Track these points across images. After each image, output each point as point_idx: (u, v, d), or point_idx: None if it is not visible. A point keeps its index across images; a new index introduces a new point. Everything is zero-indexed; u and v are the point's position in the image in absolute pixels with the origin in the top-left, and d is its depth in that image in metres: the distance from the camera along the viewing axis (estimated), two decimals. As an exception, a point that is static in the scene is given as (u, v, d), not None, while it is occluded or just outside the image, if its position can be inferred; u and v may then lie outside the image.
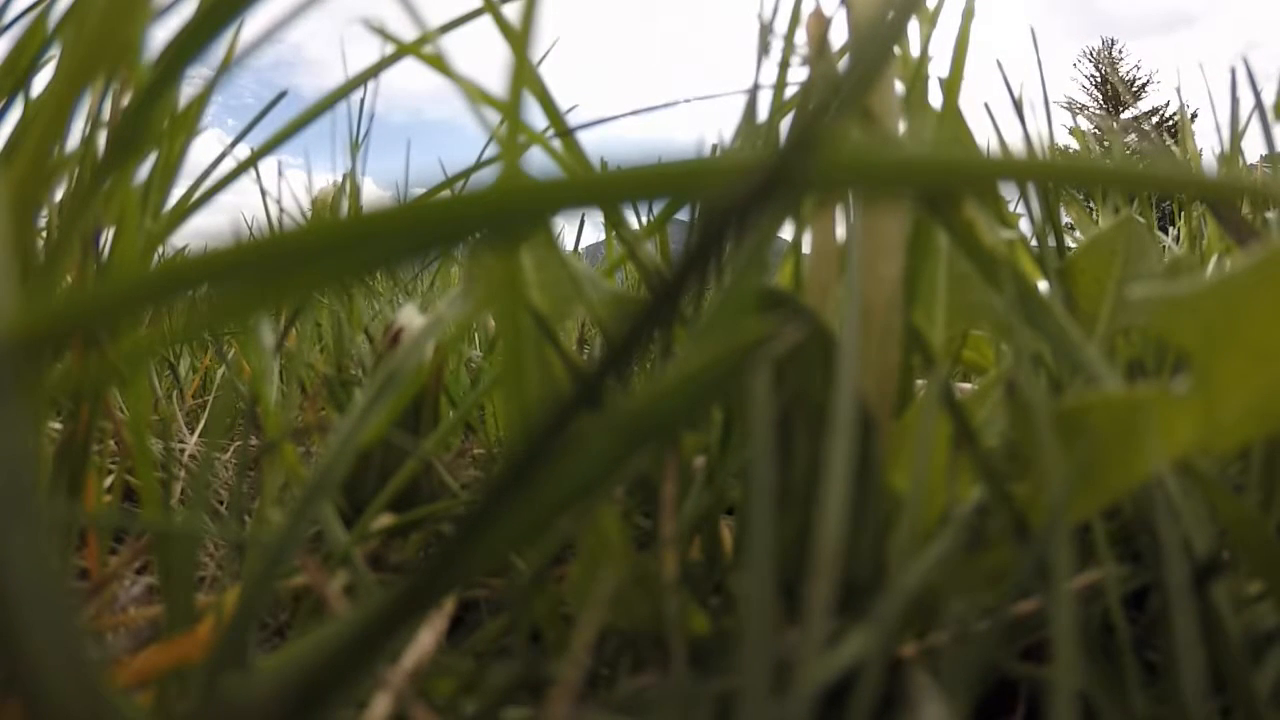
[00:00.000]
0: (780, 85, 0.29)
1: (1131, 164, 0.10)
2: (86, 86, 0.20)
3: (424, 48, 0.31)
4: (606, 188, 0.09)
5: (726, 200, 0.09)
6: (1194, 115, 0.83)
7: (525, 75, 0.21)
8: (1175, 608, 0.18)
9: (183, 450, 0.52)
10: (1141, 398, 0.17)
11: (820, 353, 0.22)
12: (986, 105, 0.40)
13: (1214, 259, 0.49)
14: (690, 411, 0.10)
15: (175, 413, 0.61)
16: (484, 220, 0.09)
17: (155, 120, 0.22)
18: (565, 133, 0.30)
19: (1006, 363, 0.23)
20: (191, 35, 0.19)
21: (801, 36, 0.27)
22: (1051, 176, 0.10)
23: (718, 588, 0.25)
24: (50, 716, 0.11)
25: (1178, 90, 0.78)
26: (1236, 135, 0.52)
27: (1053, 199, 0.33)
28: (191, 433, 0.58)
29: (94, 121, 0.24)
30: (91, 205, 0.23)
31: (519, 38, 0.21)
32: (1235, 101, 0.51)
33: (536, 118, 0.31)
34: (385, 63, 0.35)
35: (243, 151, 0.39)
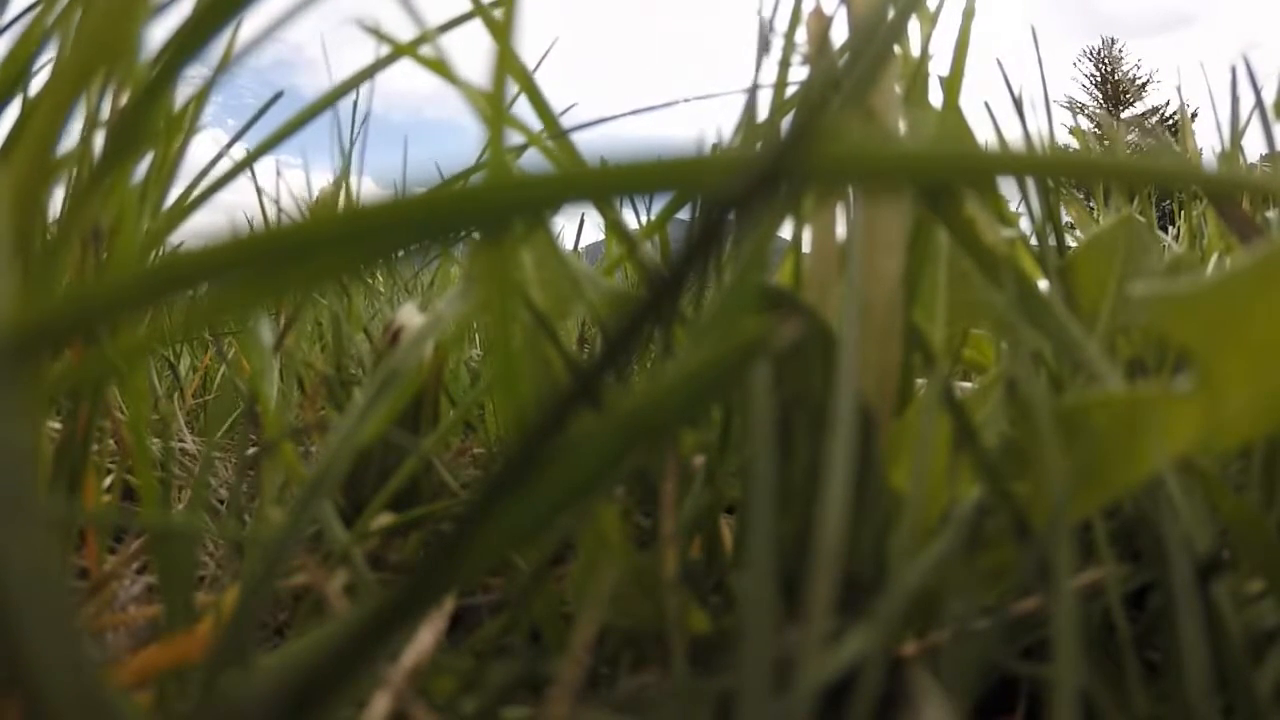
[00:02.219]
0: (781, 83, 0.29)
1: (1132, 158, 0.10)
2: (85, 86, 0.20)
3: (421, 48, 0.31)
4: (603, 182, 0.09)
5: (725, 194, 0.09)
6: (1194, 114, 0.83)
7: (509, 65, 0.21)
8: (1178, 606, 0.18)
9: (182, 449, 0.52)
10: (1143, 396, 0.17)
11: (820, 351, 0.21)
12: (987, 104, 0.40)
13: (1214, 257, 0.49)
14: (690, 410, 0.10)
15: (175, 412, 0.61)
16: (477, 215, 0.09)
17: (153, 120, 0.22)
18: (554, 126, 0.30)
19: (1007, 361, 0.23)
20: (189, 34, 0.19)
21: (802, 35, 0.27)
22: (1051, 171, 0.10)
23: (718, 586, 0.25)
24: (50, 716, 0.11)
25: (1178, 89, 0.78)
26: (1237, 134, 0.52)
27: (1053, 197, 0.33)
28: (192, 432, 0.58)
29: (92, 121, 0.24)
30: (90, 204, 0.23)
31: (502, 29, 0.21)
32: (1235, 100, 0.51)
33: (534, 121, 0.31)
34: (381, 64, 0.35)
35: (241, 151, 0.39)
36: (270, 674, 0.12)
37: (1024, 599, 0.21)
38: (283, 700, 0.12)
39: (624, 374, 0.10)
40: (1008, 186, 0.35)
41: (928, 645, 0.20)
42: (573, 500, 0.09)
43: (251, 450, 0.36)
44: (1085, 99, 17.65)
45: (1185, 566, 0.18)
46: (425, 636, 0.21)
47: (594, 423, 0.09)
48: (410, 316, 0.35)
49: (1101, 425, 0.18)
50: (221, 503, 0.47)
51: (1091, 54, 18.03)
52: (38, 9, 0.27)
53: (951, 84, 0.28)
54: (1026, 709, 0.23)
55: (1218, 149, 0.57)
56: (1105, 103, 17.25)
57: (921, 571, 0.19)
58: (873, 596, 0.19)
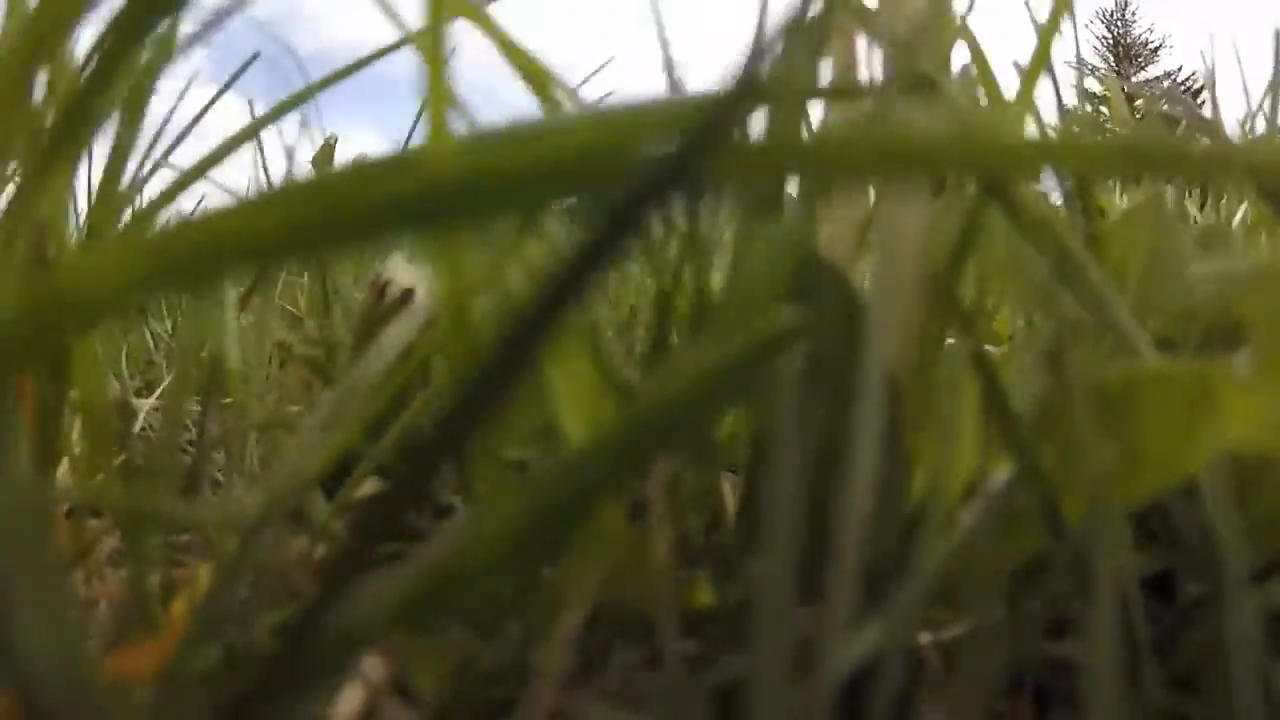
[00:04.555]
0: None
1: (1171, 144, 0.09)
2: (44, 50, 0.19)
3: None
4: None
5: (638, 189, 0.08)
6: (1213, 81, 0.81)
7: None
8: (1226, 603, 0.17)
9: (152, 425, 0.51)
10: (1202, 374, 0.16)
11: (843, 316, 0.20)
12: (1016, 63, 0.38)
13: (1238, 224, 0.47)
14: (708, 410, 0.09)
15: (147, 384, 0.60)
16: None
17: (110, 92, 0.19)
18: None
19: (1039, 330, 0.21)
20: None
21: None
22: (1097, 164, 0.09)
23: (719, 558, 0.24)
24: (44, 711, 0.10)
25: (1202, 54, 0.75)
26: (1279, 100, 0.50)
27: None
28: (164, 404, 0.56)
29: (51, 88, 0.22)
30: (43, 186, 0.21)
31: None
32: (1278, 65, 0.48)
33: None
34: (393, 46, 0.34)
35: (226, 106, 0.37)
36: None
37: (1052, 580, 0.20)
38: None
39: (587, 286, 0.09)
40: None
41: (950, 633, 0.19)
42: (575, 509, 0.08)
43: (229, 424, 0.35)
44: (1097, 62, 17.39)
45: (1237, 566, 0.17)
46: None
47: (608, 422, 0.08)
48: (399, 270, 0.33)
49: (1150, 405, 0.17)
50: (197, 478, 0.46)
51: (1104, 16, 17.74)
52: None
53: (1028, 82, 0.26)
54: (1031, 698, 0.22)
55: (1240, 114, 0.55)
56: (1117, 64, 17.00)
57: (945, 554, 0.18)
58: (893, 578, 0.18)
